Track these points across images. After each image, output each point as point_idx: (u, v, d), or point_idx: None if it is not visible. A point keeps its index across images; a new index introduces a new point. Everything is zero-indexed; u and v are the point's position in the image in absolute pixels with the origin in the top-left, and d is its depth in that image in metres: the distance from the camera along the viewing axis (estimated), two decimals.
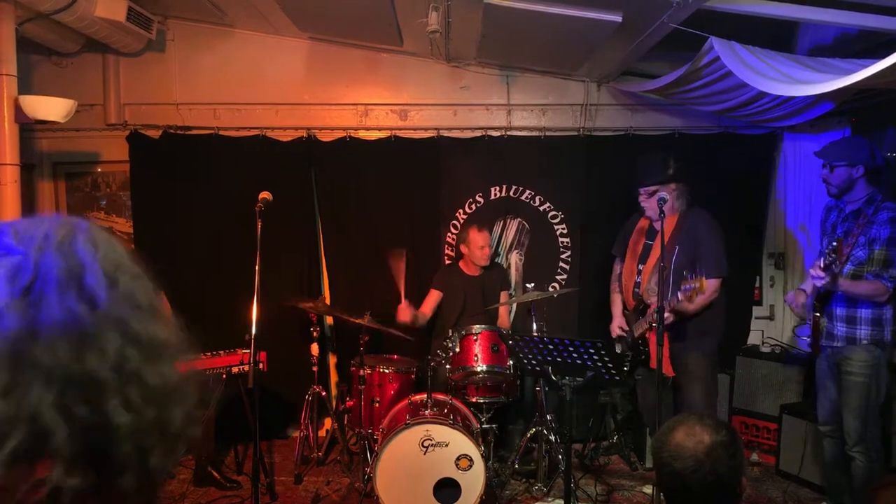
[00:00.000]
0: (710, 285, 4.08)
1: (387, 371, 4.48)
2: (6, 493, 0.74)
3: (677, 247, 4.11)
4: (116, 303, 0.84)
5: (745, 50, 3.44)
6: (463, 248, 4.95)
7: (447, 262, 5.38)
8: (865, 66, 2.68)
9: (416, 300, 4.97)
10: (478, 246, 4.85)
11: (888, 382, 3.67)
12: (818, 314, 3.73)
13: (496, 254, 5.45)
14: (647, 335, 4.17)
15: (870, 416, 3.59)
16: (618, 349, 4.49)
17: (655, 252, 4.13)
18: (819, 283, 3.45)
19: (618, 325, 4.48)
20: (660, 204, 3.78)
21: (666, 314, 3.91)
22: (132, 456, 0.80)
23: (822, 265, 3.35)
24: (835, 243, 3.34)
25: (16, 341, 0.78)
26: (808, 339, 3.78)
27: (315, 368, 4.88)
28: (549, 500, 4.29)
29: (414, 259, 5.40)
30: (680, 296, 3.82)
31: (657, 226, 4.06)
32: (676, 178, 4.19)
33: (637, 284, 4.30)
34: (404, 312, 4.67)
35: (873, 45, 3.69)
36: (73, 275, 0.84)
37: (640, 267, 4.29)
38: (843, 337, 3.63)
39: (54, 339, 0.80)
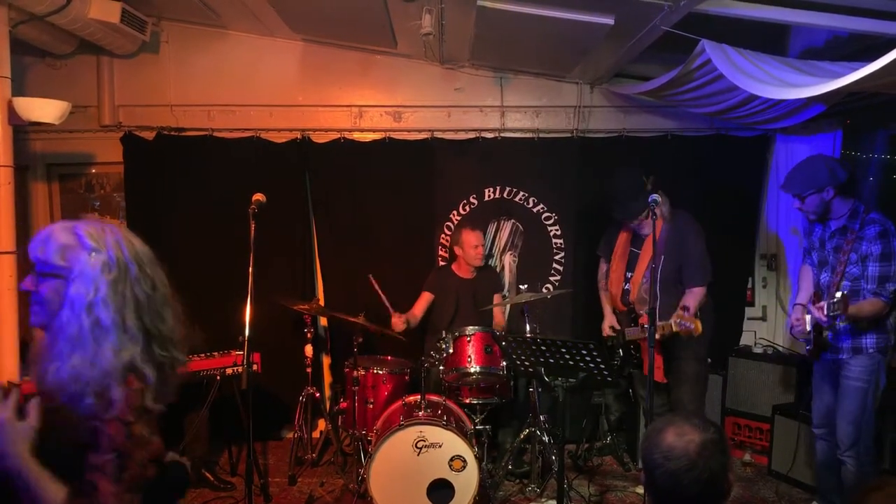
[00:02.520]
0: (697, 293, 4.14)
1: (380, 372, 4.49)
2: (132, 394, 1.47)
3: (663, 256, 4.10)
4: (161, 282, 1.63)
5: (736, 53, 3.46)
6: (457, 250, 4.96)
7: (441, 263, 5.39)
8: (855, 69, 2.69)
9: (409, 301, 4.98)
10: (471, 245, 4.87)
11: (884, 388, 3.67)
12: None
13: (490, 255, 5.47)
14: (640, 342, 4.22)
15: (864, 422, 3.58)
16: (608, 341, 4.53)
17: (643, 261, 4.19)
18: (823, 323, 3.52)
19: (609, 325, 4.52)
20: (651, 206, 3.76)
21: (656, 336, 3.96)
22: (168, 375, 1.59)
23: (826, 313, 3.40)
24: (837, 296, 3.36)
25: (117, 313, 1.49)
26: (808, 348, 3.76)
27: (309, 370, 4.88)
28: (543, 500, 4.30)
29: (407, 260, 5.42)
30: (674, 327, 3.85)
31: (642, 233, 4.14)
32: (656, 191, 4.15)
33: (626, 292, 4.33)
34: (397, 322, 4.69)
35: (864, 48, 3.70)
36: (140, 265, 1.57)
37: (629, 275, 4.32)
38: (849, 349, 3.61)
39: (139, 311, 1.53)
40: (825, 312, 3.43)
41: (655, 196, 3.81)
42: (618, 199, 4.25)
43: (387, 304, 4.68)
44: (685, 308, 3.87)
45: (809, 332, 3.72)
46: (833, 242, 3.68)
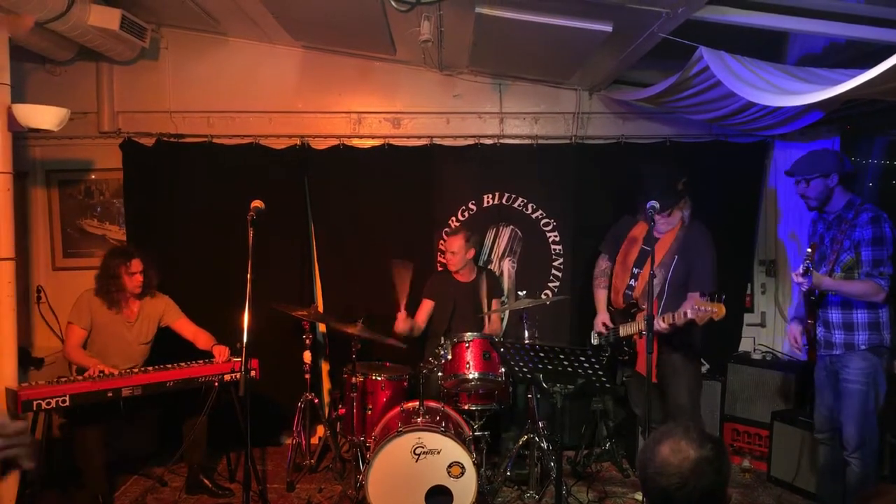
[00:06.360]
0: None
1: (379, 378, 4.49)
2: None
3: (676, 256, 4.14)
4: None
5: (734, 60, 3.46)
6: None
7: (439, 269, 5.39)
8: (852, 77, 2.70)
9: (409, 308, 4.97)
10: (449, 250, 4.89)
11: (886, 391, 3.67)
12: (811, 321, 3.75)
13: (488, 261, 5.47)
14: (634, 338, 4.21)
15: (867, 424, 3.59)
16: (594, 340, 4.51)
17: (654, 257, 4.15)
18: (803, 288, 3.51)
19: (602, 322, 4.51)
20: (650, 212, 3.78)
21: (664, 325, 3.95)
22: None
23: (801, 271, 3.40)
24: (809, 249, 3.44)
25: None
26: (805, 347, 3.78)
27: (307, 376, 4.88)
28: None
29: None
30: (689, 313, 3.81)
31: (657, 233, 4.13)
32: (684, 195, 4.21)
33: (630, 287, 4.32)
34: (403, 323, 4.68)
35: (861, 55, 3.71)
36: None
37: (636, 271, 4.31)
38: (842, 344, 3.64)
39: None
40: (801, 270, 3.39)
41: (654, 202, 3.84)
42: (650, 189, 4.17)
43: (403, 300, 4.67)
44: (702, 294, 3.83)
45: (803, 342, 3.76)
46: (830, 234, 3.72)
